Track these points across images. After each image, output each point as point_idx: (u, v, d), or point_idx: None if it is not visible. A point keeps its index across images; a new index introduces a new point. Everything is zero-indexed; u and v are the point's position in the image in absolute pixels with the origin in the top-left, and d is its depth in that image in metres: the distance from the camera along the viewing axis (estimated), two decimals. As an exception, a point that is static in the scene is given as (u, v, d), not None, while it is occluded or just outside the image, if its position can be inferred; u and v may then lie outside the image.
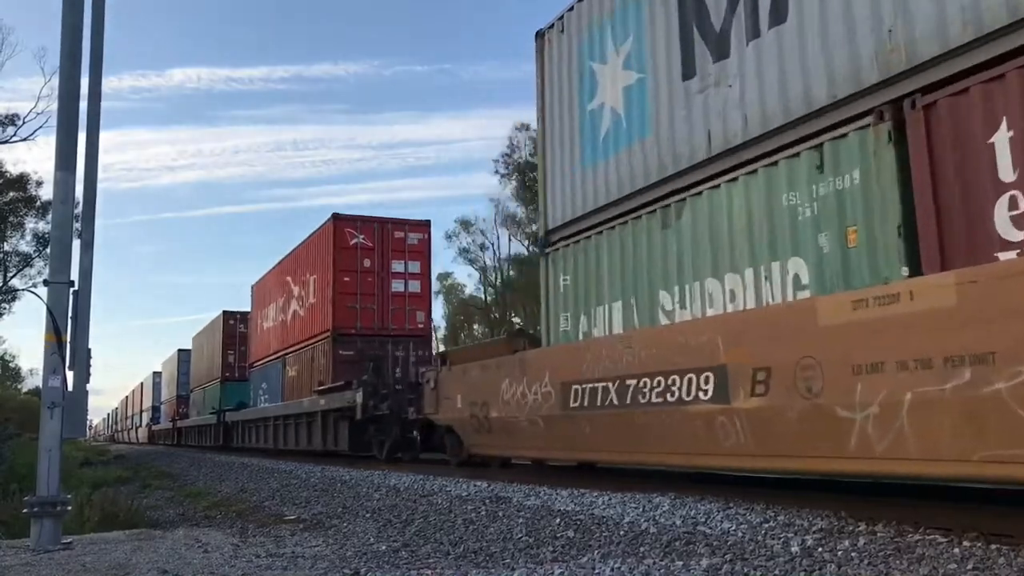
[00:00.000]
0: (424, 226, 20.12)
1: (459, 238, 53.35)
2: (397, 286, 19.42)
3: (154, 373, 54.36)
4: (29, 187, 38.58)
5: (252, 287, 28.84)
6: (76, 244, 7.56)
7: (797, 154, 7.04)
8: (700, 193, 8.19)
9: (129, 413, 71.22)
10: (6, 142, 36.25)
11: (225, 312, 33.59)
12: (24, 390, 67.38)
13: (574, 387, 8.77)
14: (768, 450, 6.32)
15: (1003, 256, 5.38)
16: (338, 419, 17.04)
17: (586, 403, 8.56)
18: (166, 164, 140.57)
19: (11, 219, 38.56)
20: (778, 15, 7.28)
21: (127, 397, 76.11)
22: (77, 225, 7.82)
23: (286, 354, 23.15)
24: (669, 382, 7.28)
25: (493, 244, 51.63)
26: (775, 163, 7.26)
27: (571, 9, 10.55)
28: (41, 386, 7.19)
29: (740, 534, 5.42)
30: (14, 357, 72.80)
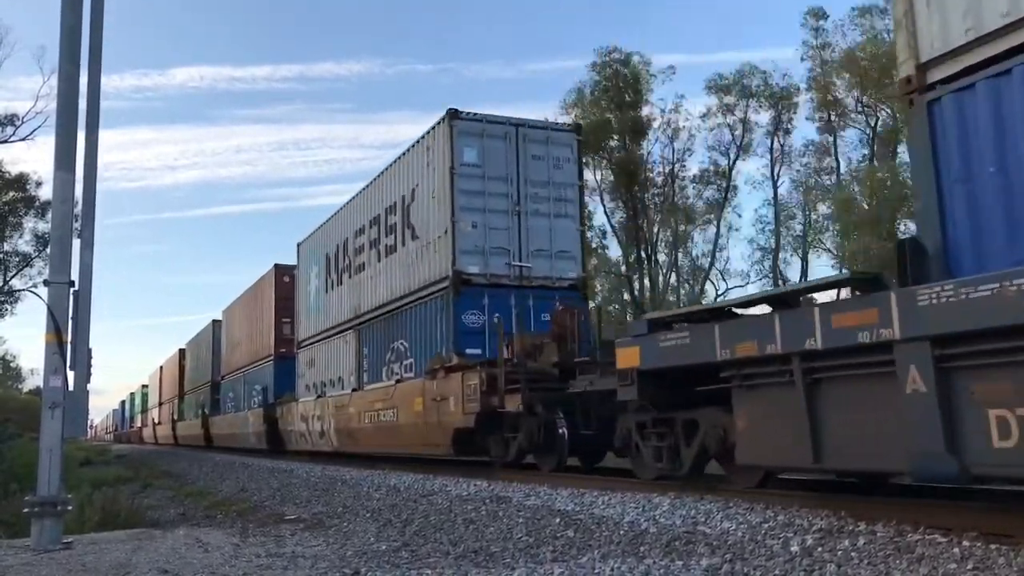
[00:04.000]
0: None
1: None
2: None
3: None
4: (28, 187, 38.56)
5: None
6: (76, 244, 7.57)
7: None
8: None
9: (162, 398, 48.83)
10: (5, 142, 36.23)
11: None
12: (25, 390, 67.46)
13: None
14: None
15: None
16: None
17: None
18: (167, 163, 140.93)
19: (11, 219, 38.54)
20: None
21: (157, 373, 52.45)
22: (77, 225, 7.82)
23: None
24: None
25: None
26: None
27: None
28: (42, 386, 7.19)
29: (740, 534, 5.42)
30: (15, 357, 73.04)
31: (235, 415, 28.00)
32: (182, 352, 42.37)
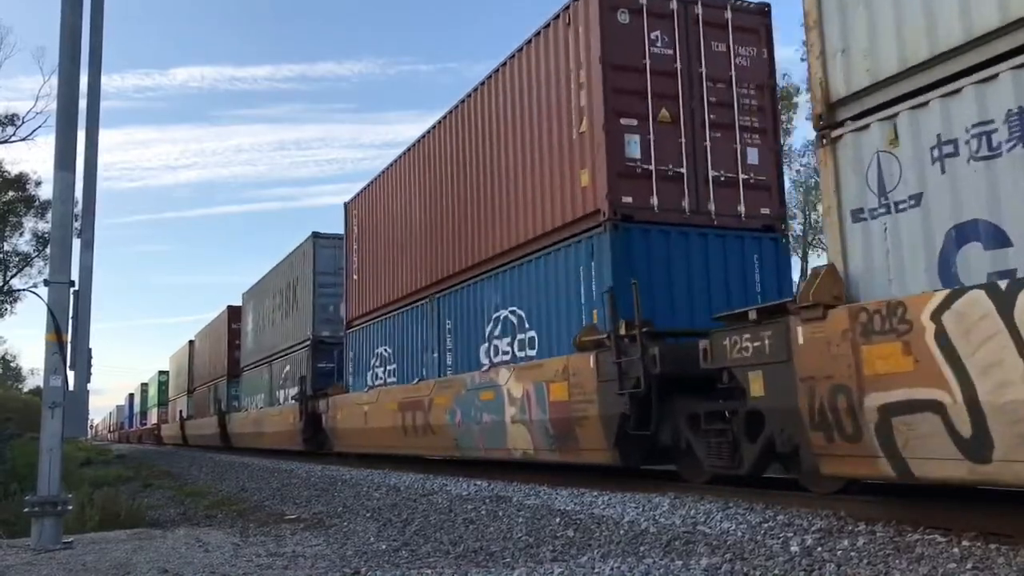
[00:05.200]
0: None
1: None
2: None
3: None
4: (28, 187, 38.59)
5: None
6: (76, 244, 7.57)
7: None
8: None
9: (193, 383, 38.31)
10: (5, 142, 36.26)
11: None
12: (25, 390, 67.54)
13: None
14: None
15: None
16: None
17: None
18: (168, 163, 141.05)
19: (11, 219, 38.56)
20: None
21: (183, 352, 41.65)
22: (77, 225, 7.83)
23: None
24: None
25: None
26: None
27: None
28: (42, 386, 7.20)
29: (739, 534, 5.43)
30: (15, 357, 73.15)
31: (449, 379, 12.32)
32: (233, 311, 30.62)
